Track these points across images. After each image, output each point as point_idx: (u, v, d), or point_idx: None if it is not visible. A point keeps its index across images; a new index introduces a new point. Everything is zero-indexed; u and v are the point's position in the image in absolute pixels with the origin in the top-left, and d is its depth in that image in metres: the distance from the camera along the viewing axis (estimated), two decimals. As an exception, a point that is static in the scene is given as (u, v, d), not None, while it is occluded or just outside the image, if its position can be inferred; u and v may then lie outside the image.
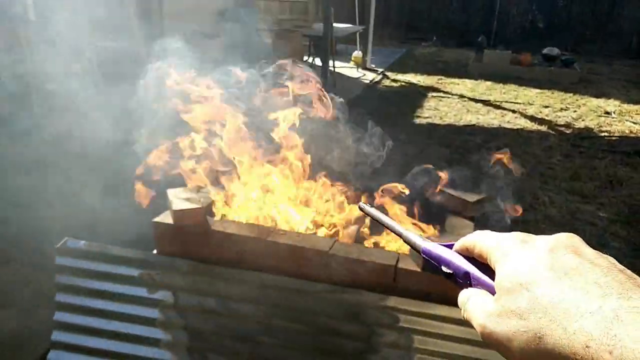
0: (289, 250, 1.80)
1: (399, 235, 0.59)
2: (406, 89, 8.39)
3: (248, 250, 1.84)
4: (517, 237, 0.44)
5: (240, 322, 1.83)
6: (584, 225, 3.79)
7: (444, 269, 0.50)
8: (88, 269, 1.93)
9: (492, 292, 0.43)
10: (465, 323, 1.46)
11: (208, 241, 1.88)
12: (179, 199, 1.91)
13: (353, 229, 2.02)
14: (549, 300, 0.36)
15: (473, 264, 0.48)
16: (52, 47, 3.97)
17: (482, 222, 2.18)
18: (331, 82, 7.60)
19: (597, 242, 3.50)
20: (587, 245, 0.41)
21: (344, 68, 9.33)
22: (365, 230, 2.10)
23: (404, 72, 9.68)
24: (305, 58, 8.36)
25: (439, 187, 2.07)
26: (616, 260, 0.39)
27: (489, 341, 0.41)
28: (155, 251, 1.97)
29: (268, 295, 1.80)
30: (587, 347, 0.33)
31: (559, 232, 0.43)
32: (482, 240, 0.46)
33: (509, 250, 0.43)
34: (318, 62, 8.03)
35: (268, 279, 1.81)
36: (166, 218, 1.92)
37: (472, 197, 2.07)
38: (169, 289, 1.88)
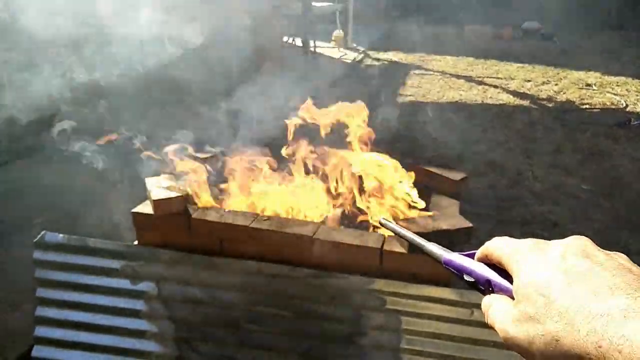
0: (273, 236, 1.77)
1: (420, 247, 0.60)
2: (388, 67, 8.32)
3: (230, 237, 1.81)
4: (531, 243, 0.46)
5: (225, 310, 1.81)
6: (568, 198, 3.80)
7: (466, 277, 0.52)
8: (68, 263, 1.89)
9: (513, 297, 0.45)
10: (457, 303, 1.43)
11: (189, 230, 1.84)
12: (158, 188, 1.87)
13: (337, 212, 1.99)
14: (562, 304, 0.39)
15: (495, 271, 0.49)
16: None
17: (466, 200, 2.17)
18: (312, 62, 7.51)
19: (582, 215, 3.53)
20: (598, 247, 0.43)
21: (325, 48, 9.21)
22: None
23: (386, 49, 9.59)
24: (285, 39, 8.24)
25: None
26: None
27: (510, 344, 0.43)
28: (136, 242, 1.93)
29: (253, 282, 1.78)
30: (599, 347, 0.35)
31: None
32: (500, 248, 0.48)
33: (524, 257, 0.45)
34: (298, 42, 7.91)
35: (252, 266, 1.78)
36: (146, 208, 1.88)
37: (456, 175, 2.06)
38: (151, 280, 1.85)
